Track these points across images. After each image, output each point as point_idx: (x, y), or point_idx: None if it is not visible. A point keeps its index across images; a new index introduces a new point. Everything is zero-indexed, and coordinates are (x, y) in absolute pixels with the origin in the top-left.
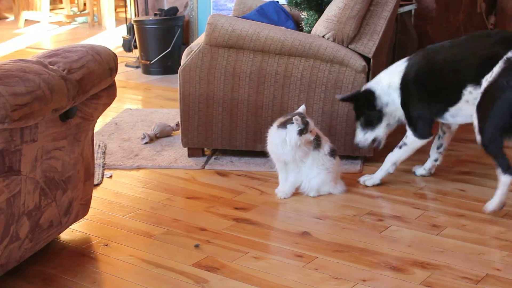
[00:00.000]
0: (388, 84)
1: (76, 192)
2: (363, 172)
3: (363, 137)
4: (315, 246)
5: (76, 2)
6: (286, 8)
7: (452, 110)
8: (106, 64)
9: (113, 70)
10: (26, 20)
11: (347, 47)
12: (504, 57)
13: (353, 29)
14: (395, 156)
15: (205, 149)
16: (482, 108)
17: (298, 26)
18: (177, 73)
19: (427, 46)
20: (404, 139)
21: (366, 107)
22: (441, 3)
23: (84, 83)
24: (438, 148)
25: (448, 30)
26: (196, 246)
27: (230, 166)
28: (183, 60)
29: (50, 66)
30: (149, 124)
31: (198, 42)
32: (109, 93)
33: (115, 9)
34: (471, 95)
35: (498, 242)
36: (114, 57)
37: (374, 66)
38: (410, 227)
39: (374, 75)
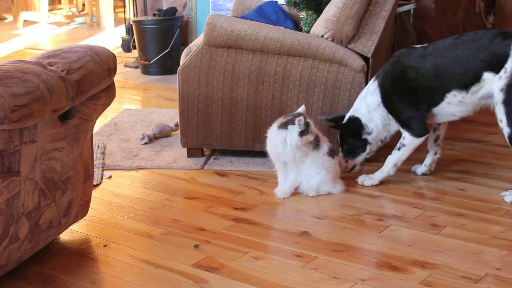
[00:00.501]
0: (366, 109)
1: (76, 193)
2: (362, 172)
3: (344, 164)
4: (314, 246)
5: (75, 2)
6: (285, 8)
7: (434, 110)
8: (105, 64)
9: (112, 70)
10: (25, 20)
11: (346, 46)
12: None
13: (352, 29)
14: (395, 158)
15: (204, 149)
16: (510, 102)
17: (297, 26)
18: (176, 73)
19: (395, 53)
20: (402, 141)
21: (351, 136)
22: (439, 2)
23: (83, 83)
24: (435, 141)
25: (446, 30)
26: (196, 246)
27: (229, 166)
28: (182, 60)
29: (49, 67)
30: (148, 124)
31: (197, 42)
32: (108, 94)
33: (114, 10)
34: (455, 98)
35: (497, 242)
36: (113, 57)
37: (373, 66)
38: (410, 227)
39: (373, 75)
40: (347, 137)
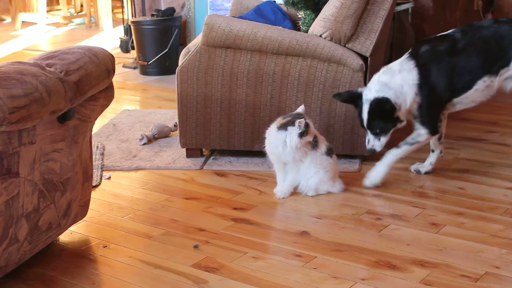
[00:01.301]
0: (401, 83)
1: (75, 194)
2: (361, 171)
3: (378, 143)
4: (314, 245)
5: (73, 3)
6: (283, 8)
7: (458, 99)
8: (103, 65)
9: (111, 71)
10: (23, 21)
11: (345, 46)
12: None
13: (350, 28)
14: (403, 153)
15: (204, 149)
16: None
17: (295, 26)
18: (174, 73)
19: (422, 40)
20: (416, 137)
21: (382, 117)
22: (438, 1)
23: (82, 84)
24: (439, 139)
25: (445, 28)
26: (195, 246)
27: (229, 166)
28: (181, 61)
29: (48, 68)
30: (147, 125)
31: (196, 42)
32: (106, 95)
33: (112, 10)
34: (484, 84)
35: (497, 240)
36: (111, 58)
37: (371, 65)
38: (409, 226)
39: (371, 74)
40: (377, 118)
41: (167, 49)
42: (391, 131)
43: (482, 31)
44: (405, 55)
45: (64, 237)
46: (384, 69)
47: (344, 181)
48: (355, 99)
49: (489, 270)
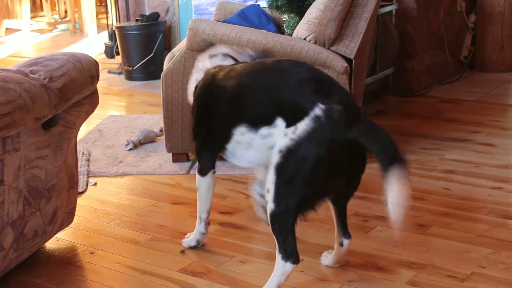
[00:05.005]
0: None
1: (61, 201)
2: None
3: None
4: (301, 248)
5: (57, 9)
6: (267, 11)
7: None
8: (87, 71)
9: (95, 77)
10: (7, 28)
11: (329, 49)
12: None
13: (334, 31)
14: None
15: (190, 154)
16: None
17: (279, 29)
18: (160, 78)
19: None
20: None
21: None
22: (421, 2)
23: (66, 91)
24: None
25: (428, 30)
26: (182, 251)
27: None
28: (165, 66)
29: (31, 75)
30: (133, 130)
31: (180, 47)
32: (91, 101)
33: (97, 16)
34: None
35: (483, 240)
36: (95, 64)
37: (356, 67)
38: (396, 227)
39: (356, 76)
40: None
41: (152, 54)
42: None
43: None
44: None
45: (51, 244)
46: None
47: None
48: None
49: (475, 270)
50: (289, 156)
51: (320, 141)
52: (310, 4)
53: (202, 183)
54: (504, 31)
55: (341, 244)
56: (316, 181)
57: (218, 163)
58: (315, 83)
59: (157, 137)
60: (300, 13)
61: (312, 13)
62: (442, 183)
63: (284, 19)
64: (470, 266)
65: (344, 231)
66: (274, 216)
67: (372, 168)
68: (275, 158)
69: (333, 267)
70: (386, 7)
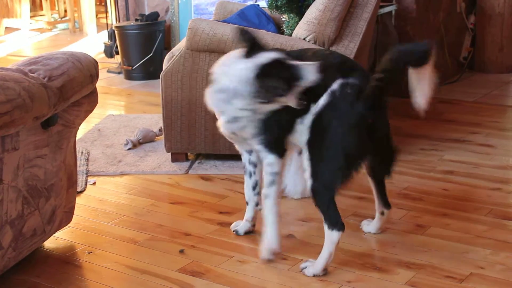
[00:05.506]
0: None
1: (59, 200)
2: None
3: None
4: (300, 248)
5: (56, 8)
6: (267, 11)
7: None
8: (87, 70)
9: (94, 76)
10: (6, 27)
11: (328, 49)
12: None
13: (333, 31)
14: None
15: (189, 153)
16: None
17: (279, 29)
18: (159, 78)
19: None
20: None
21: None
22: (421, 3)
23: (65, 90)
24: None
25: (428, 30)
26: (181, 251)
27: (214, 170)
28: (165, 65)
29: (31, 74)
30: (132, 130)
31: (180, 47)
32: (90, 100)
33: (96, 15)
34: None
35: (481, 241)
36: (94, 63)
37: None
38: (394, 227)
39: None
40: None
41: (151, 54)
42: None
43: None
44: None
45: (49, 244)
46: None
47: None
48: None
49: (474, 271)
50: (314, 131)
51: (336, 114)
52: (310, 4)
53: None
54: (504, 32)
55: (382, 214)
56: (342, 150)
57: (218, 163)
58: (340, 63)
59: (156, 137)
60: (300, 13)
61: (311, 13)
62: (441, 184)
63: (283, 19)
64: (469, 267)
65: (385, 202)
66: (313, 191)
67: None
68: (305, 136)
69: (375, 233)
70: (385, 7)
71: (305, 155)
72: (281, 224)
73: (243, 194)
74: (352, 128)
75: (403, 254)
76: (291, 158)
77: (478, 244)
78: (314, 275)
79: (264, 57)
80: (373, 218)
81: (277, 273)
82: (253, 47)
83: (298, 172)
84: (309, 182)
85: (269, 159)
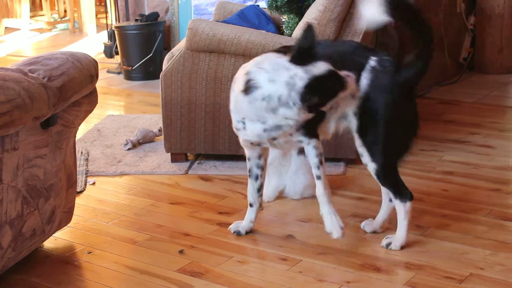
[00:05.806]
0: None
1: (59, 200)
2: (346, 174)
3: None
4: (299, 249)
5: (56, 8)
6: (267, 12)
7: None
8: (86, 71)
9: (94, 76)
10: (6, 27)
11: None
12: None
13: (333, 32)
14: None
15: (188, 154)
16: None
17: (279, 30)
18: (159, 78)
19: None
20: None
21: None
22: (420, 4)
23: (65, 90)
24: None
25: None
26: (181, 251)
27: (214, 171)
28: (165, 65)
29: (30, 74)
30: (132, 130)
31: (179, 47)
32: (90, 100)
33: (96, 15)
34: None
35: (481, 241)
36: (94, 63)
37: None
38: (394, 228)
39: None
40: None
41: (151, 54)
42: None
43: None
44: None
45: (49, 244)
46: None
47: (329, 185)
48: None
49: (473, 272)
50: (363, 113)
51: (383, 88)
52: (310, 4)
53: None
54: (504, 33)
55: (390, 200)
56: (393, 126)
57: (217, 163)
58: (360, 45)
59: (156, 137)
60: (300, 14)
61: (311, 13)
62: (441, 185)
63: (283, 20)
64: (468, 268)
65: None
66: (376, 173)
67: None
68: (353, 123)
69: (379, 229)
70: None
71: (357, 142)
72: (280, 225)
73: (243, 194)
74: (402, 96)
75: (403, 254)
76: (290, 158)
77: (477, 244)
78: (402, 248)
79: (320, 69)
80: (373, 218)
81: (277, 273)
82: (303, 52)
83: (297, 172)
84: (370, 166)
85: (313, 142)
